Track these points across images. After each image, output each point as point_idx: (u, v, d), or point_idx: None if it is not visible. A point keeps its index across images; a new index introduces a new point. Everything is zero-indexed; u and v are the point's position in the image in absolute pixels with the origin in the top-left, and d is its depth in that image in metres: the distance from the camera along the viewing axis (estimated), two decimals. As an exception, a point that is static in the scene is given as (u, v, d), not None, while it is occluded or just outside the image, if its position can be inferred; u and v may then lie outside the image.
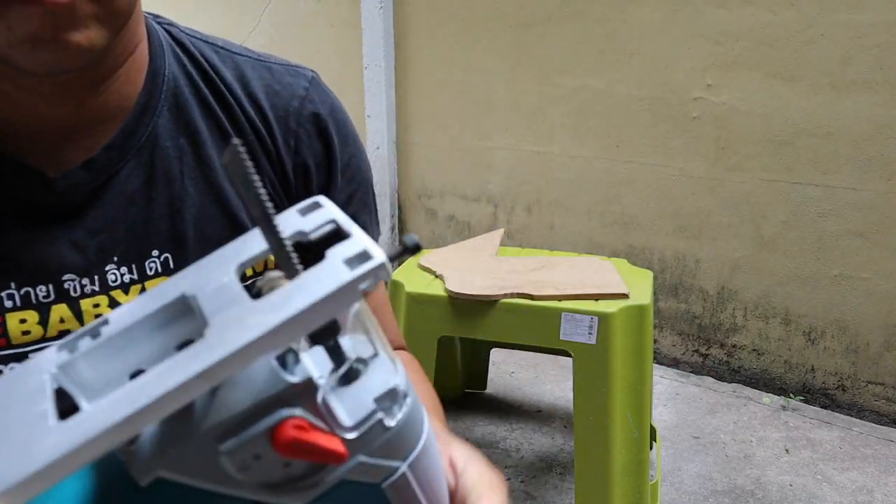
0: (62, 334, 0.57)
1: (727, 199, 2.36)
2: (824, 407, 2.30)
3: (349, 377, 0.30)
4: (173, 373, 0.25)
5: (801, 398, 2.34)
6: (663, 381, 2.47)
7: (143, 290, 0.60)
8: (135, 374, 0.28)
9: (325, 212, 0.31)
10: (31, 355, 0.57)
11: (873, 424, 2.20)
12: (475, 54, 2.86)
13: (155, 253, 0.60)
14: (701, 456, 2.03)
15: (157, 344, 0.28)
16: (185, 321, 0.28)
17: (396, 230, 3.34)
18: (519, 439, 2.13)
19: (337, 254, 0.28)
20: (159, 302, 0.29)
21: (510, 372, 2.55)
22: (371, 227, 0.70)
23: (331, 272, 0.27)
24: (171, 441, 0.28)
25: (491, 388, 2.44)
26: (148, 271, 0.60)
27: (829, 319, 2.25)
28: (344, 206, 0.66)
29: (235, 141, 0.25)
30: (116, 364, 0.28)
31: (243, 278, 0.31)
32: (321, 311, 0.26)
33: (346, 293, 0.26)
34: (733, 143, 2.31)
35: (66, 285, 0.57)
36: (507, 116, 2.82)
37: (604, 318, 1.43)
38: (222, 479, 0.28)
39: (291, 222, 0.30)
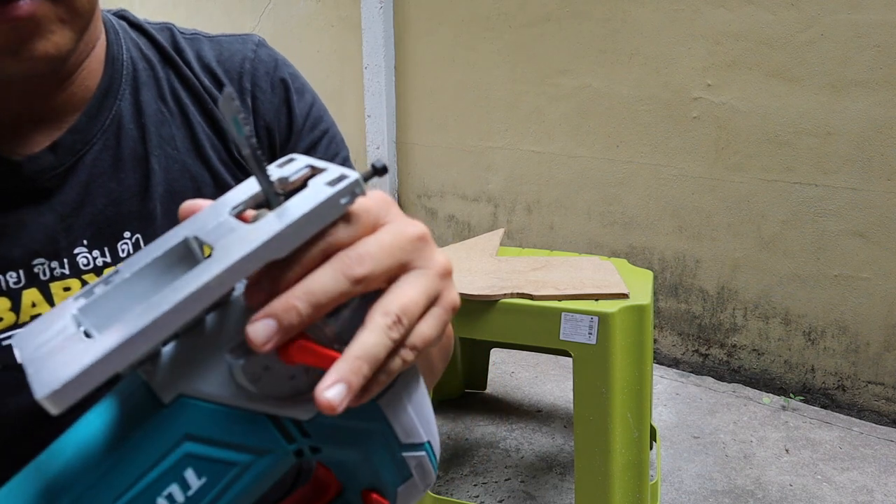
0: (35, 318, 0.56)
1: (727, 199, 2.36)
2: (824, 407, 2.30)
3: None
4: (188, 283, 0.28)
5: (801, 398, 2.34)
6: (663, 381, 2.47)
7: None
8: None
9: (301, 160, 0.34)
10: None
11: (873, 424, 2.20)
12: (475, 54, 2.86)
13: (126, 234, 0.61)
14: (701, 456, 2.03)
15: (165, 284, 0.30)
16: (188, 262, 0.31)
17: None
18: (519, 439, 2.13)
19: (317, 181, 0.31)
20: (163, 248, 0.32)
21: (510, 372, 2.55)
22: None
23: (315, 192, 0.30)
24: (189, 358, 0.31)
25: (491, 388, 2.44)
26: (120, 253, 0.60)
27: (829, 319, 2.25)
28: (310, 152, 0.67)
29: (227, 89, 0.28)
30: (130, 302, 0.30)
31: None
32: (310, 222, 0.30)
33: (330, 206, 0.30)
34: (733, 143, 2.31)
35: (35, 269, 0.57)
36: (507, 116, 2.82)
37: (604, 318, 1.43)
38: (236, 391, 0.31)
39: (273, 172, 0.33)
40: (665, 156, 2.46)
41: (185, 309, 0.28)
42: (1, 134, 0.56)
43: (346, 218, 0.32)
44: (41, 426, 0.61)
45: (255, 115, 0.66)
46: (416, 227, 0.34)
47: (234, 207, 0.32)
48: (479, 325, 1.53)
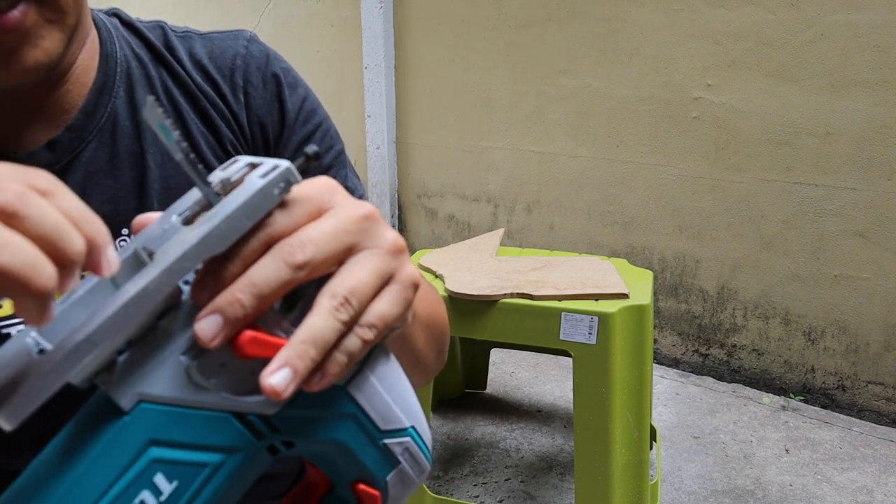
0: None
1: (727, 199, 2.36)
2: (824, 407, 2.30)
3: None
4: (129, 289, 0.28)
5: (801, 398, 2.34)
6: (663, 381, 2.47)
7: None
8: None
9: (243, 160, 0.35)
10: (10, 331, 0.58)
11: (873, 424, 2.20)
12: (475, 54, 2.86)
13: (125, 231, 0.61)
14: (701, 456, 2.03)
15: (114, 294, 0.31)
16: (136, 270, 0.31)
17: (397, 230, 3.34)
18: (519, 439, 2.13)
19: (252, 175, 0.31)
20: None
21: (510, 372, 2.55)
22: (338, 167, 0.70)
23: (248, 186, 0.31)
24: (144, 363, 0.31)
25: (491, 388, 2.44)
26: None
27: (829, 319, 2.25)
28: (303, 146, 0.67)
29: (150, 98, 0.28)
30: (82, 316, 0.31)
31: None
32: (244, 214, 0.30)
33: (263, 197, 0.30)
34: (733, 143, 2.31)
35: None
36: (507, 116, 2.82)
37: (604, 318, 1.43)
38: (194, 390, 0.31)
39: (215, 175, 0.33)
40: (665, 156, 2.46)
41: (127, 314, 0.28)
42: (0, 132, 0.56)
43: (284, 207, 0.32)
44: (44, 418, 0.62)
45: (247, 111, 0.66)
46: (361, 208, 0.33)
47: (181, 214, 0.32)
48: (479, 325, 1.53)
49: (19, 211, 0.26)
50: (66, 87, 0.58)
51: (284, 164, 0.31)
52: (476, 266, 1.70)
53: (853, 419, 2.23)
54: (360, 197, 0.71)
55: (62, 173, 0.58)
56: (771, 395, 2.37)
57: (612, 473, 1.49)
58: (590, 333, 1.44)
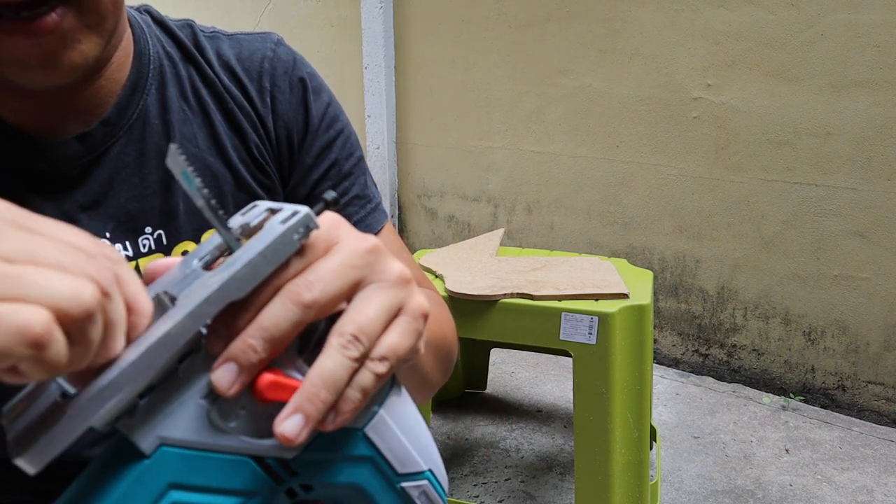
0: None
1: (727, 199, 2.36)
2: (824, 407, 2.30)
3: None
4: (151, 335, 0.28)
5: (801, 398, 2.34)
6: (663, 381, 2.47)
7: (137, 267, 0.60)
8: None
9: (262, 205, 0.35)
10: None
11: (873, 424, 2.20)
12: (475, 54, 2.86)
13: (148, 230, 0.61)
14: (701, 456, 2.03)
15: (138, 340, 0.30)
16: (158, 315, 0.31)
17: (397, 230, 3.34)
18: (519, 439, 2.13)
19: (273, 220, 0.32)
20: None
21: (510, 372, 2.55)
22: (357, 174, 0.70)
23: (268, 232, 0.31)
24: (165, 407, 0.31)
25: (491, 388, 2.44)
26: (142, 248, 0.60)
27: (829, 319, 2.25)
28: (325, 151, 0.68)
29: (172, 145, 0.29)
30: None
31: None
32: (264, 260, 0.30)
33: (283, 243, 0.31)
34: (733, 143, 2.31)
35: None
36: (507, 116, 2.82)
37: (604, 318, 1.43)
38: (215, 434, 0.31)
39: (235, 220, 0.34)
40: (665, 156, 2.45)
41: (150, 359, 0.28)
42: (35, 121, 0.56)
43: (300, 252, 0.32)
44: None
45: (273, 115, 0.66)
46: (365, 242, 0.33)
47: (202, 258, 0.33)
48: (479, 325, 1.53)
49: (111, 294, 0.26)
50: (99, 84, 0.58)
51: (304, 210, 0.32)
52: (476, 266, 1.70)
53: (853, 419, 2.23)
54: (378, 205, 0.71)
55: (90, 167, 0.58)
56: (771, 395, 2.37)
57: (612, 473, 1.49)
58: (590, 333, 1.44)
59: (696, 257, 2.47)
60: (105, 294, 0.26)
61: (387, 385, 0.35)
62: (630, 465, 1.52)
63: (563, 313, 1.45)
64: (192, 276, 0.32)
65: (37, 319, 0.23)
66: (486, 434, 2.16)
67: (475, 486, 1.92)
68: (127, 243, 0.60)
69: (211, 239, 0.34)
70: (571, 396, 1.54)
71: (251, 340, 0.30)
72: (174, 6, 3.94)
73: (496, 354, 2.56)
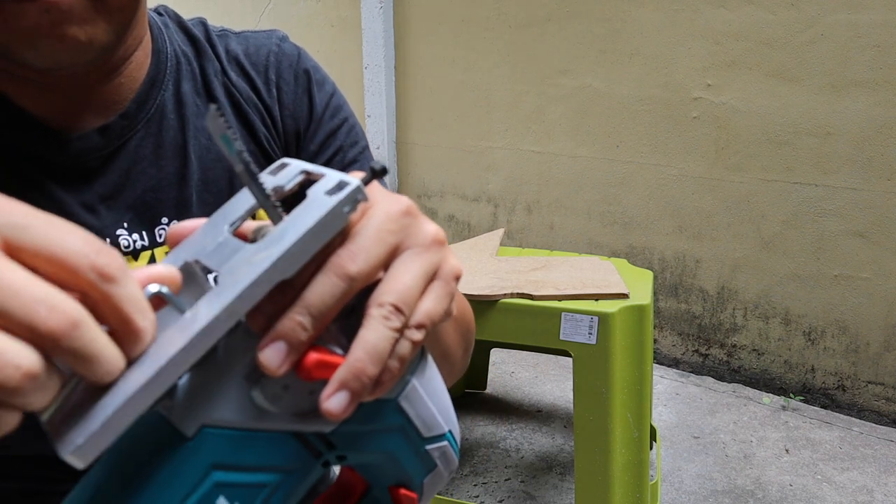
0: None
1: (727, 199, 2.36)
2: (824, 407, 2.30)
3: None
4: (200, 317, 0.27)
5: (801, 398, 2.34)
6: (663, 381, 2.47)
7: (152, 256, 0.63)
8: None
9: (294, 165, 0.33)
10: None
11: (873, 424, 2.20)
12: (475, 54, 2.86)
13: (164, 220, 0.63)
14: (701, 456, 2.03)
15: (173, 317, 0.29)
16: (194, 289, 0.30)
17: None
18: (519, 439, 2.13)
19: (317, 190, 0.30)
20: None
21: (510, 372, 2.55)
22: (363, 162, 0.72)
23: (316, 204, 0.29)
24: (207, 389, 0.30)
25: (491, 388, 2.44)
26: (157, 238, 0.63)
27: (829, 319, 2.25)
28: (329, 139, 0.71)
29: (213, 106, 0.27)
30: None
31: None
32: (315, 236, 0.29)
33: (334, 217, 0.29)
34: (733, 143, 2.31)
35: None
36: (507, 116, 2.82)
37: (604, 319, 1.43)
38: (258, 414, 0.30)
39: (267, 181, 0.32)
40: (665, 156, 2.45)
41: (200, 343, 0.27)
42: (56, 112, 0.58)
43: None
44: None
45: (280, 105, 0.69)
46: (399, 204, 0.32)
47: (232, 224, 0.31)
48: (479, 325, 1.53)
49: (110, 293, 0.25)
50: (119, 80, 0.60)
51: (354, 181, 0.30)
52: (476, 266, 1.69)
53: (853, 419, 2.23)
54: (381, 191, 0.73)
55: (110, 158, 0.60)
56: (771, 395, 2.37)
57: (612, 473, 1.49)
58: (590, 333, 1.44)
59: (696, 257, 2.47)
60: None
61: (417, 353, 0.34)
62: (630, 465, 1.52)
63: (563, 313, 1.45)
64: (227, 245, 0.30)
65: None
66: (486, 434, 2.16)
67: (475, 486, 1.92)
68: (143, 233, 0.62)
69: (237, 200, 0.32)
70: (571, 396, 1.54)
71: (299, 318, 0.29)
72: (175, 6, 3.94)
73: (496, 354, 2.56)
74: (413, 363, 0.34)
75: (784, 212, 2.26)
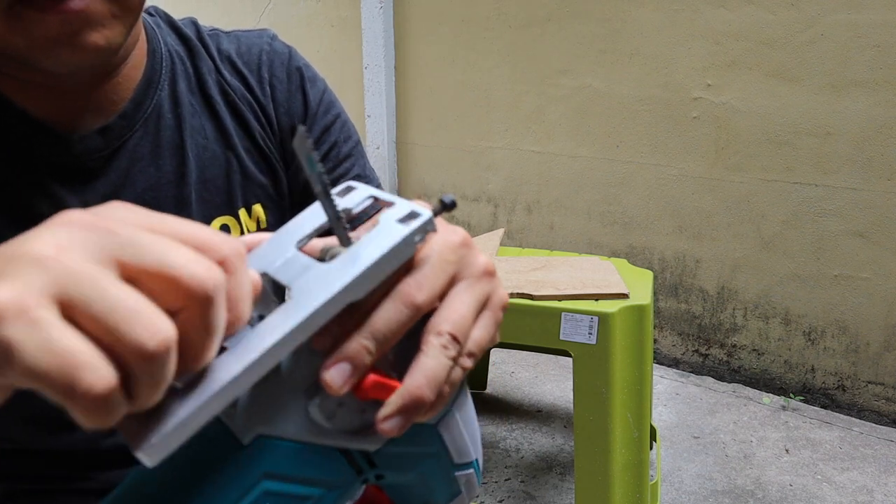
0: None
1: (727, 199, 2.36)
2: (824, 407, 2.30)
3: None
4: (273, 330, 0.28)
5: (801, 398, 2.34)
6: (663, 381, 2.47)
7: None
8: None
9: (362, 190, 0.35)
10: None
11: (873, 424, 2.20)
12: (475, 54, 2.85)
13: None
14: (701, 456, 2.03)
15: (245, 328, 0.30)
16: (264, 302, 0.31)
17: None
18: (519, 439, 2.13)
19: (389, 217, 0.32)
20: None
21: (510, 372, 2.55)
22: (356, 157, 0.74)
23: (389, 231, 0.31)
24: (267, 401, 0.31)
25: (491, 388, 2.44)
26: None
27: (829, 319, 2.25)
28: (324, 135, 0.72)
29: (301, 127, 0.29)
30: None
31: None
32: (387, 263, 0.30)
33: (406, 245, 0.31)
34: (733, 143, 2.31)
35: None
36: (507, 116, 2.82)
37: (604, 319, 1.43)
38: (312, 429, 0.32)
39: (336, 202, 0.33)
40: (665, 156, 2.45)
41: (271, 356, 0.28)
42: (56, 112, 0.59)
43: None
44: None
45: (274, 103, 0.70)
46: (457, 235, 0.34)
47: (300, 241, 0.32)
48: (479, 325, 1.52)
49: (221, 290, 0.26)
50: (117, 80, 0.61)
51: (426, 213, 0.32)
52: (476, 266, 1.69)
53: (853, 419, 2.23)
54: (378, 186, 0.74)
55: (109, 159, 0.61)
56: (771, 395, 2.37)
57: (612, 473, 1.49)
58: (590, 333, 1.44)
59: (696, 257, 2.47)
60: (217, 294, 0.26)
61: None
62: (630, 465, 1.52)
63: (563, 313, 1.45)
64: (296, 262, 0.31)
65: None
66: (486, 434, 2.16)
67: (475, 486, 1.92)
68: None
69: (304, 217, 0.33)
70: (571, 396, 1.54)
71: (365, 342, 0.30)
72: (174, 6, 3.94)
73: (496, 354, 2.56)
74: (455, 390, 0.35)
75: (784, 212, 2.26)
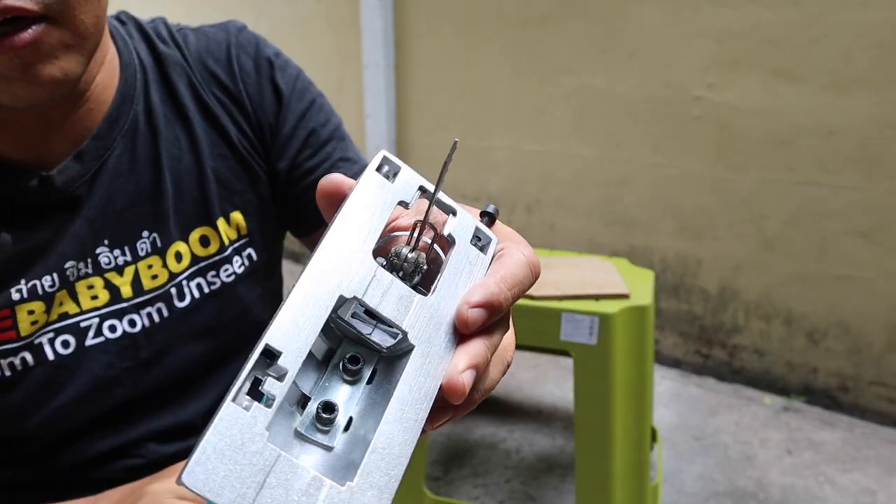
0: (62, 317, 0.60)
1: (728, 199, 2.35)
2: (826, 408, 2.29)
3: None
4: (414, 412, 0.30)
5: (803, 399, 2.33)
6: (664, 382, 2.46)
7: (136, 270, 0.63)
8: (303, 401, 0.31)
9: (413, 181, 0.39)
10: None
11: (876, 425, 2.19)
12: (475, 54, 2.85)
13: (145, 234, 0.63)
14: (702, 457, 2.02)
15: (310, 363, 0.32)
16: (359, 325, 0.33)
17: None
18: (519, 440, 2.12)
19: (461, 237, 0.37)
20: (317, 324, 0.29)
21: (510, 372, 2.54)
22: (337, 139, 0.73)
23: (470, 257, 0.36)
24: None
25: (491, 389, 2.43)
26: (140, 252, 0.63)
27: (831, 320, 2.24)
28: (301, 121, 0.71)
29: (456, 141, 0.33)
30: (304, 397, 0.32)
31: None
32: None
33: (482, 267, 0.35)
34: (735, 143, 2.30)
35: (67, 272, 0.59)
36: (507, 116, 2.81)
37: (604, 319, 1.42)
38: None
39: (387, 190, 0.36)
40: (666, 155, 2.45)
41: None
42: (26, 147, 0.57)
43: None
44: (78, 424, 0.62)
45: (248, 96, 0.69)
46: (524, 261, 0.37)
47: (371, 247, 0.33)
48: (478, 325, 1.52)
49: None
50: (87, 107, 0.59)
51: (493, 237, 0.37)
52: (476, 266, 1.68)
53: (855, 420, 2.22)
54: (363, 167, 0.73)
55: (91, 181, 0.60)
56: (773, 395, 2.36)
57: (613, 475, 1.48)
58: (590, 334, 1.43)
59: (697, 257, 2.46)
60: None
61: None
62: (631, 466, 1.51)
63: (563, 313, 1.44)
64: (381, 281, 0.32)
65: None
66: (487, 435, 2.15)
67: (475, 487, 1.91)
68: (126, 248, 0.62)
69: (364, 209, 0.34)
70: (572, 397, 1.53)
71: (477, 397, 0.33)
72: (173, 5, 3.93)
73: (496, 355, 2.54)
74: None
75: (786, 211, 2.25)
